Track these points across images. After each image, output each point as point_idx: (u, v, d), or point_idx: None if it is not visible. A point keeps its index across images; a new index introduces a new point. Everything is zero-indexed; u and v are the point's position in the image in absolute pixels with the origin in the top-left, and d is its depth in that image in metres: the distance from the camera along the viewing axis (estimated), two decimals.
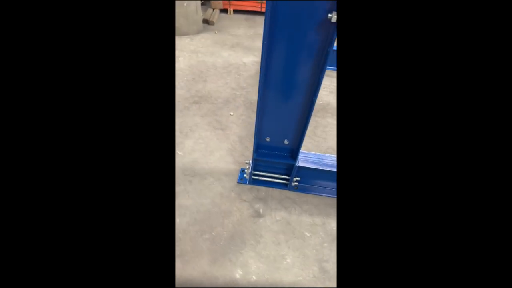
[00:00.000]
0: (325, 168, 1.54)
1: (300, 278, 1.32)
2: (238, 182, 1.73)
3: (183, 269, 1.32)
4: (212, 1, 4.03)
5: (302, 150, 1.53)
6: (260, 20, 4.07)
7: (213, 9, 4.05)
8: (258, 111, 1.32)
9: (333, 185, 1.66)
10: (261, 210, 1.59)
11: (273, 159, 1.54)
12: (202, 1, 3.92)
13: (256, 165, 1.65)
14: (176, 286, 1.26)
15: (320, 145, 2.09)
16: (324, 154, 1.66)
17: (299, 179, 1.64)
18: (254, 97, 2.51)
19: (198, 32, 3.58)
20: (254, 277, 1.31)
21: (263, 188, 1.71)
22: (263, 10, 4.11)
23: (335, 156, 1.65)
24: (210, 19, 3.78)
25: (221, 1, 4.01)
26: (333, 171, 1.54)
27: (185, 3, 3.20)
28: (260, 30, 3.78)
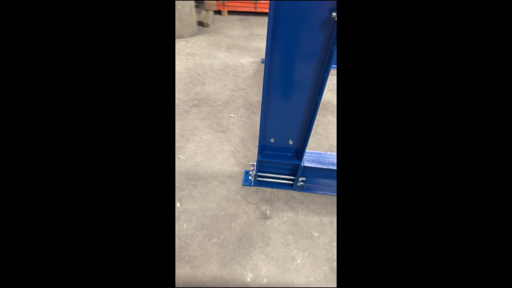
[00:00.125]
0: (330, 167, 1.53)
1: (311, 278, 1.31)
2: (243, 185, 1.72)
3: (193, 275, 1.31)
4: (205, 2, 4.01)
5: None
6: (255, 20, 4.07)
7: (207, 11, 4.03)
8: (263, 112, 1.31)
9: None
10: (268, 212, 1.58)
11: (278, 160, 1.53)
12: (196, 4, 3.90)
13: (260, 167, 1.64)
14: None
15: (322, 143, 2.09)
16: (328, 152, 1.65)
17: (304, 178, 1.63)
18: (254, 98, 2.50)
19: (193, 34, 3.56)
20: (265, 280, 1.30)
21: (268, 189, 1.70)
22: (257, 10, 4.11)
23: None
24: (205, 21, 3.76)
25: (215, 3, 3.99)
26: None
27: (179, 4, 3.17)
28: (255, 31, 3.77)
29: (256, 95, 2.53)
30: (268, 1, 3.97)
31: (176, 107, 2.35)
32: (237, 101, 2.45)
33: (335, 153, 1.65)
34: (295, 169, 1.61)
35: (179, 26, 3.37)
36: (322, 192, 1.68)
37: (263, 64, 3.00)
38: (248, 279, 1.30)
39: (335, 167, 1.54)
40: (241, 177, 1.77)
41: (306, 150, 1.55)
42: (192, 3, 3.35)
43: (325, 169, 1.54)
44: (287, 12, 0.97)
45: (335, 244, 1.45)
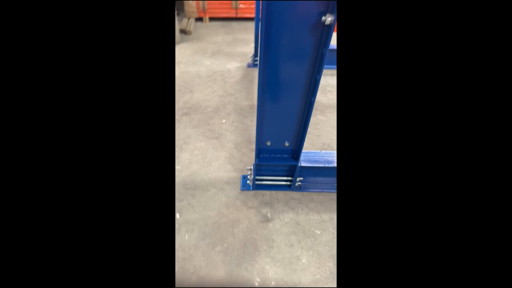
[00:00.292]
0: (326, 165, 1.57)
1: (318, 276, 1.33)
2: (241, 189, 1.72)
3: (200, 285, 1.29)
4: (186, 10, 4.00)
5: None
6: (237, 26, 4.10)
7: (189, 19, 4.02)
8: (258, 116, 1.33)
9: (335, 180, 1.69)
10: (269, 214, 1.59)
11: (276, 162, 1.55)
12: (177, 12, 3.88)
13: (258, 170, 1.65)
14: None
15: (314, 142, 2.13)
16: (322, 151, 1.69)
17: (301, 178, 1.66)
18: (244, 102, 2.52)
19: (177, 43, 3.53)
20: (273, 283, 1.30)
21: (267, 192, 1.72)
22: (239, 16, 4.14)
23: (334, 152, 1.69)
24: (187, 29, 3.75)
25: (196, 10, 3.99)
26: (334, 167, 1.58)
27: None
28: (238, 36, 3.80)
29: (245, 100, 2.55)
30: (249, 6, 4.02)
31: None
32: (228, 107, 2.45)
33: (329, 151, 1.69)
34: (292, 170, 1.63)
35: None
36: (320, 190, 1.71)
37: (250, 69, 3.03)
38: (256, 284, 1.30)
39: (330, 165, 1.58)
40: (238, 182, 1.77)
41: (302, 151, 1.57)
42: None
43: (321, 167, 1.58)
44: (278, 17, 0.99)
45: None
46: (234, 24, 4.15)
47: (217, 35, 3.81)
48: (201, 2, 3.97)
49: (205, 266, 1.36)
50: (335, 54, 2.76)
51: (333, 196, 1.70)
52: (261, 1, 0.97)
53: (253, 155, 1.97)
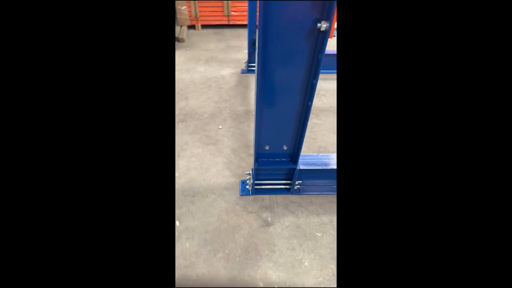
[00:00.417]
0: (324, 168, 1.59)
1: (321, 278, 1.34)
2: (241, 195, 1.72)
3: (202, 286, 1.27)
4: (179, 18, 4.03)
5: None
6: (229, 33, 4.15)
7: (181, 26, 4.04)
8: (256, 121, 1.34)
9: (333, 182, 1.71)
10: (269, 219, 1.59)
11: (275, 166, 1.56)
12: None
13: (257, 175, 1.66)
14: None
15: (311, 145, 2.16)
16: (320, 154, 1.72)
17: (300, 181, 1.67)
18: (239, 108, 2.53)
19: None
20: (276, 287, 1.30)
21: (266, 196, 1.72)
22: (231, 23, 4.19)
23: (331, 154, 1.72)
24: (180, 37, 3.77)
25: (187, 18, 4.02)
26: (332, 169, 1.60)
27: None
28: (231, 43, 3.84)
29: (241, 105, 2.57)
30: (241, 14, 4.08)
31: None
32: (223, 113, 2.46)
33: (326, 154, 1.72)
34: (291, 173, 1.64)
35: None
36: (319, 193, 1.73)
37: (244, 75, 3.06)
38: None
39: (328, 167, 1.60)
40: (237, 188, 1.77)
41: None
42: None
43: (320, 170, 1.60)
44: (275, 25, 1.02)
45: None
46: (227, 31, 4.20)
47: (210, 42, 3.84)
48: (193, 10, 4.01)
49: (208, 273, 1.34)
50: (328, 58, 2.82)
51: (332, 198, 1.72)
52: (258, 8, 1.00)
53: (250, 160, 1.98)
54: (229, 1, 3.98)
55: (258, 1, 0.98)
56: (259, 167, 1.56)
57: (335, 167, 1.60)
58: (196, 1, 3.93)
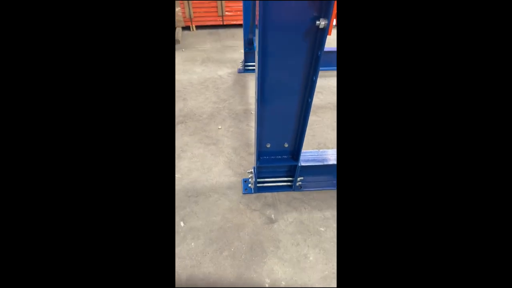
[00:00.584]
0: (325, 163, 1.61)
1: (326, 272, 1.36)
2: (243, 193, 1.73)
3: (205, 286, 1.29)
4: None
5: None
6: (224, 33, 4.15)
7: (176, 28, 4.03)
8: (257, 120, 1.36)
9: (334, 177, 1.74)
10: (273, 216, 1.61)
11: (276, 164, 1.58)
12: None
13: (259, 173, 1.67)
14: None
15: (310, 142, 2.18)
16: (320, 150, 1.74)
17: (302, 178, 1.69)
18: (238, 107, 2.54)
19: None
20: (283, 283, 1.32)
21: (269, 194, 1.74)
22: (225, 23, 4.20)
23: (332, 150, 1.74)
24: (175, 38, 3.76)
25: (182, 19, 4.01)
26: (333, 165, 1.63)
27: None
28: (226, 43, 3.85)
29: (239, 104, 2.58)
30: (235, 13, 4.08)
31: None
32: (222, 113, 2.47)
33: (326, 150, 1.74)
34: (293, 170, 1.66)
35: None
36: (320, 188, 1.75)
37: (241, 74, 3.07)
38: (267, 285, 1.31)
39: (329, 163, 1.62)
40: (240, 187, 1.78)
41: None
42: None
43: (321, 165, 1.62)
44: (274, 23, 1.03)
45: None
46: (221, 31, 4.20)
47: (205, 43, 3.84)
48: (187, 11, 4.00)
49: (214, 272, 1.35)
50: (324, 55, 2.84)
51: (334, 193, 1.74)
52: (257, 7, 1.01)
53: (251, 158, 1.99)
54: (223, 1, 3.98)
55: (257, 1, 1.00)
56: (261, 165, 1.57)
57: (335, 162, 1.62)
58: (190, 2, 3.93)
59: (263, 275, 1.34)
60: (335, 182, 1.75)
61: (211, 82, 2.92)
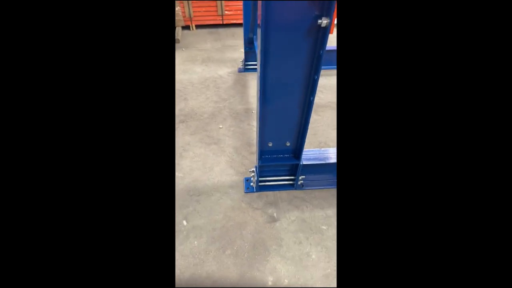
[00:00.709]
0: (327, 162, 1.62)
1: (329, 270, 1.37)
2: (245, 192, 1.74)
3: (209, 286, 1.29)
4: None
5: None
6: (224, 32, 4.15)
7: (176, 27, 4.03)
8: (259, 119, 1.36)
9: (336, 176, 1.74)
10: (275, 214, 1.62)
11: (278, 162, 1.58)
12: None
13: (261, 172, 1.68)
14: None
15: (311, 141, 2.18)
16: (321, 149, 1.75)
17: (303, 177, 1.70)
18: (239, 106, 2.55)
19: None
20: (286, 281, 1.33)
21: (270, 192, 1.74)
22: (225, 22, 4.19)
23: (333, 148, 1.75)
24: (175, 38, 3.76)
25: (182, 18, 4.01)
26: (335, 163, 1.63)
27: None
28: (227, 42, 3.85)
29: (240, 104, 2.58)
30: (235, 13, 4.08)
31: None
32: (223, 112, 2.48)
33: (327, 149, 1.75)
34: (294, 169, 1.67)
35: None
36: (322, 187, 1.76)
37: (241, 74, 3.07)
38: (270, 283, 1.32)
39: (331, 161, 1.63)
40: (242, 185, 1.79)
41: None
42: None
43: (322, 164, 1.63)
44: (276, 22, 1.04)
45: None
46: (221, 30, 4.20)
47: (205, 42, 3.84)
48: (187, 10, 4.00)
49: (217, 270, 1.36)
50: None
51: (335, 192, 1.75)
52: (259, 6, 1.01)
53: (253, 158, 2.00)
54: (223, 1, 3.98)
55: (258, 0, 1.00)
56: (263, 164, 1.58)
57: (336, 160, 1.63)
58: (190, 1, 3.93)
59: (266, 273, 1.35)
60: (336, 180, 1.75)
61: (211, 82, 2.92)
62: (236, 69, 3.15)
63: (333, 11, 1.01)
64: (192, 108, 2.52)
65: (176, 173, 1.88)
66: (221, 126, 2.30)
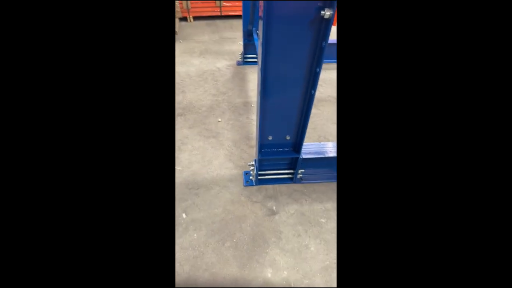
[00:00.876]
0: (326, 156, 1.62)
1: (327, 262, 1.38)
2: (244, 185, 1.74)
3: (214, 281, 1.30)
4: None
5: None
6: (222, 24, 4.08)
7: None
8: (260, 112, 1.35)
9: (335, 169, 1.75)
10: (274, 207, 1.62)
11: (278, 156, 1.58)
12: None
13: (260, 165, 1.68)
14: None
15: (310, 135, 2.18)
16: (321, 143, 1.75)
17: (303, 170, 1.70)
18: (237, 100, 2.53)
19: None
20: (285, 272, 1.34)
21: (270, 186, 1.75)
22: (223, 14, 4.12)
23: (333, 142, 1.75)
24: None
25: (179, 10, 3.93)
26: (334, 157, 1.64)
27: None
28: (225, 34, 3.79)
29: (238, 97, 2.56)
30: (233, 4, 4.01)
31: None
32: (222, 105, 2.46)
33: (326, 142, 1.75)
34: (294, 163, 1.67)
35: None
36: (321, 181, 1.77)
37: (240, 66, 3.04)
38: (269, 275, 1.33)
39: (330, 155, 1.63)
40: (241, 179, 1.79)
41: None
42: None
43: (322, 158, 1.63)
44: (278, 13, 1.02)
45: None
46: (219, 22, 4.13)
47: (203, 34, 3.78)
48: (184, 1, 3.92)
49: (217, 262, 1.37)
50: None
51: (334, 185, 1.76)
52: None
53: (252, 151, 1.99)
54: None
55: None
56: (263, 158, 1.58)
57: (336, 154, 1.63)
58: None
59: (265, 265, 1.36)
60: (335, 174, 1.76)
61: (209, 75, 2.88)
62: (235, 62, 3.11)
63: (336, 2, 0.99)
64: (190, 101, 2.50)
65: (175, 167, 1.87)
66: (219, 120, 2.29)
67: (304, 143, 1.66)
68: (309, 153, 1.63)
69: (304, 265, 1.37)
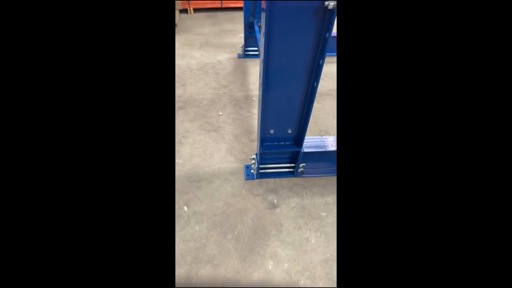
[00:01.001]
0: (328, 150, 1.62)
1: (328, 255, 1.40)
2: (246, 179, 1.75)
3: (216, 273, 1.32)
4: None
5: None
6: (223, 16, 4.02)
7: None
8: (262, 105, 1.34)
9: (336, 163, 1.75)
10: (275, 201, 1.63)
11: (279, 150, 1.58)
12: None
13: (261, 159, 1.68)
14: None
15: (312, 129, 2.18)
16: (322, 136, 1.74)
17: (304, 164, 1.70)
18: (238, 93, 2.51)
19: None
20: (286, 264, 1.36)
21: (271, 180, 1.75)
22: (224, 5, 4.06)
23: (334, 136, 1.75)
24: None
25: (179, 1, 3.87)
26: (335, 151, 1.63)
27: None
28: (225, 26, 3.74)
29: (240, 91, 2.54)
30: None
31: None
32: (223, 99, 2.44)
33: (327, 136, 1.74)
34: (295, 157, 1.67)
35: None
36: (322, 175, 1.77)
37: (241, 59, 3.00)
38: (270, 267, 1.35)
39: (331, 149, 1.63)
40: (242, 173, 1.79)
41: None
42: None
43: (323, 152, 1.63)
44: (281, 3, 1.00)
45: None
46: (220, 14, 4.07)
47: (203, 26, 3.73)
48: None
49: (219, 254, 1.39)
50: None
51: (335, 179, 1.77)
52: None
53: (253, 145, 1.99)
54: None
55: None
56: (264, 151, 1.57)
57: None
58: None
59: (266, 257, 1.38)
60: (336, 168, 1.76)
61: (210, 68, 2.86)
62: (236, 54, 3.08)
63: None
64: (191, 94, 2.48)
65: (176, 160, 1.87)
66: (220, 113, 2.28)
67: (306, 137, 1.66)
68: (310, 147, 1.62)
69: (304, 257, 1.38)
